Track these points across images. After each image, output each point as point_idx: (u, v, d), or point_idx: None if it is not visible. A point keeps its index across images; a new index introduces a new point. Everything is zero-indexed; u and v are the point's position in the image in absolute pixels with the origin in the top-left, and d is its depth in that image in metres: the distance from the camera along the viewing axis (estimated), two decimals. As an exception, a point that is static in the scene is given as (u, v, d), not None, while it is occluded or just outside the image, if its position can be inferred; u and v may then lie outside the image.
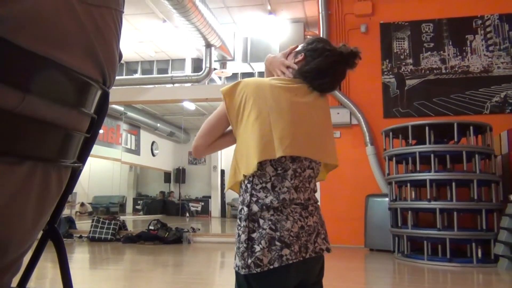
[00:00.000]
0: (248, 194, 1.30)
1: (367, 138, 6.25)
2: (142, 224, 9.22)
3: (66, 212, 12.41)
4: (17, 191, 0.65)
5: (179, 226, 6.94)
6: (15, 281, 0.87)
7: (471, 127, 4.96)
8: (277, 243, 1.23)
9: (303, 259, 1.27)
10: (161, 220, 7.02)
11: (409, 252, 5.02)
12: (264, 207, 1.27)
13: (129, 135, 13.75)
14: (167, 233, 6.52)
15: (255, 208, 1.27)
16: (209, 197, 14.98)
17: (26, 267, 0.92)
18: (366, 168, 6.18)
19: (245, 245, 1.25)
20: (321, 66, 1.40)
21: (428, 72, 6.38)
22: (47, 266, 4.07)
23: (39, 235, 0.90)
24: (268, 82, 1.38)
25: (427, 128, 4.90)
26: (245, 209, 1.28)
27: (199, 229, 7.43)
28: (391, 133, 5.46)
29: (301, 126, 1.34)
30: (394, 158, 5.39)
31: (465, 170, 4.80)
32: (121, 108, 11.76)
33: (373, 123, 6.35)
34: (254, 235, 1.25)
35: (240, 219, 1.30)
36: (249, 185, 1.30)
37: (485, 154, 4.96)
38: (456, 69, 6.28)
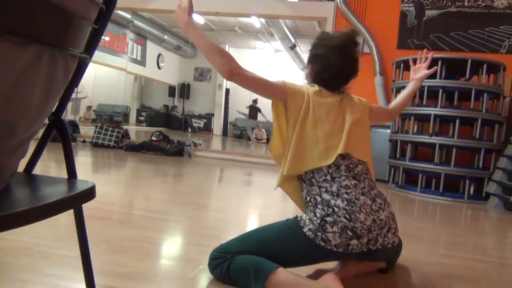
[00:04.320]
0: (316, 186, 1.45)
1: (377, 67, 6.13)
2: (144, 135, 9.37)
3: (70, 117, 12.55)
4: (24, 73, 0.64)
5: (181, 139, 7.05)
6: (22, 167, 0.90)
7: (485, 65, 4.84)
8: (349, 232, 1.33)
9: (368, 250, 1.39)
10: (164, 132, 7.12)
11: (403, 183, 5.15)
12: (334, 194, 1.39)
13: (135, 45, 13.48)
14: (169, 145, 6.65)
15: (326, 196, 1.40)
16: (212, 114, 15.07)
17: (32, 154, 0.95)
18: (371, 98, 6.11)
19: (318, 221, 1.36)
20: (319, 70, 1.62)
21: (449, 3, 6.09)
22: (51, 166, 4.21)
23: (45, 124, 0.91)
24: (314, 94, 1.57)
25: (439, 62, 4.78)
26: (318, 198, 1.42)
27: (200, 144, 7.56)
28: (402, 65, 5.34)
29: (339, 133, 1.52)
30: (401, 91, 5.32)
31: (471, 108, 4.77)
32: (128, 16, 11.39)
33: (386, 53, 6.19)
34: (328, 218, 1.36)
35: (313, 205, 1.42)
36: (313, 180, 1.46)
37: (494, 94, 4.89)
38: (480, 2, 5.98)
